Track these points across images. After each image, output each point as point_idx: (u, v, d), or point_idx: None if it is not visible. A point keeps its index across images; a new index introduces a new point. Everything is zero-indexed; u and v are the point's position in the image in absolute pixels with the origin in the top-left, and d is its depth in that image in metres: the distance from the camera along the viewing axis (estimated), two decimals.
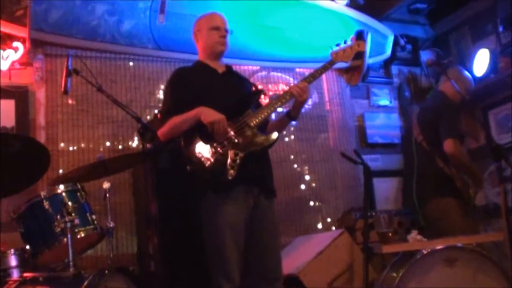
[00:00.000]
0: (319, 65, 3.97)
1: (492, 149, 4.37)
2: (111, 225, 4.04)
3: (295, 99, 3.74)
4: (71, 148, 5.57)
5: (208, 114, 3.52)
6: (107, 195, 4.17)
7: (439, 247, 3.97)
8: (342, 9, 6.72)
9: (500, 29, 6.62)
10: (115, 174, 4.52)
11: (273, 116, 3.94)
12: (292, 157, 6.61)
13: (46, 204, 3.82)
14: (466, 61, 7.14)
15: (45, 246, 3.75)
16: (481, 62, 6.70)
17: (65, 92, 4.11)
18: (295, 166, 6.62)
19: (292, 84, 4.16)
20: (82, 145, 5.62)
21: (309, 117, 6.76)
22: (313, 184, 6.63)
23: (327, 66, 3.94)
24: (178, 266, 4.61)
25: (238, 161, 3.50)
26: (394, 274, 3.97)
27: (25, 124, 5.43)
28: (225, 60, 3.99)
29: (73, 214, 3.72)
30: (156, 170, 4.62)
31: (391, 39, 7.15)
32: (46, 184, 4.77)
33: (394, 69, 7.53)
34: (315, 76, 3.85)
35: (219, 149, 3.50)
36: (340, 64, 4.15)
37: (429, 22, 7.79)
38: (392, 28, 7.25)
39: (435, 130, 4.97)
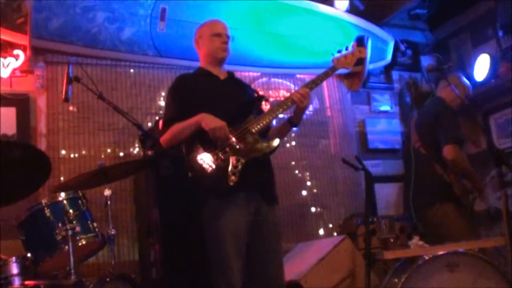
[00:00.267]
0: (319, 71, 3.97)
1: (493, 154, 4.36)
2: (112, 233, 4.04)
3: (296, 106, 3.74)
4: (72, 156, 5.58)
5: (209, 121, 3.52)
6: (108, 202, 4.17)
7: (440, 252, 3.97)
8: (342, 15, 6.73)
9: (500, 34, 6.62)
10: (116, 181, 4.52)
11: (274, 122, 3.92)
12: (293, 163, 6.62)
13: (47, 212, 3.82)
14: (466, 66, 7.15)
15: (46, 254, 3.75)
16: (481, 67, 6.71)
17: (66, 99, 4.12)
18: (296, 172, 6.62)
19: (293, 90, 4.16)
20: (83, 152, 5.63)
21: (310, 123, 6.77)
22: (315, 190, 6.63)
23: (329, 72, 3.93)
24: (179, 273, 4.60)
25: (239, 167, 3.49)
26: (396, 280, 3.96)
27: (26, 132, 5.44)
28: (226, 67, 3.99)
29: (74, 222, 3.72)
30: (157, 177, 4.62)
31: (391, 44, 7.16)
32: (47, 192, 4.78)
33: (395, 74, 7.54)
34: (316, 82, 3.85)
35: (220, 155, 3.49)
36: (341, 70, 4.15)
37: (430, 28, 7.80)
38: (393, 33, 7.26)
39: (433, 136, 4.97)
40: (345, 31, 6.70)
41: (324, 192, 6.66)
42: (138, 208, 5.54)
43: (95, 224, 4.00)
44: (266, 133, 3.82)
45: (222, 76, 3.91)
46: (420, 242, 4.15)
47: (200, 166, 3.50)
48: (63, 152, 5.54)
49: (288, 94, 6.03)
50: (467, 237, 4.63)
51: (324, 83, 6.73)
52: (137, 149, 5.76)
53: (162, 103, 5.98)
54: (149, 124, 5.79)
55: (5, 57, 5.38)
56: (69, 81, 4.09)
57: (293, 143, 6.65)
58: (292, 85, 6.77)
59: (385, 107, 7.35)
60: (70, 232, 3.65)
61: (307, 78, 6.65)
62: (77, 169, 5.47)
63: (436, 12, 7.52)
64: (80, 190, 4.07)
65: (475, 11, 7.14)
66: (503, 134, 6.69)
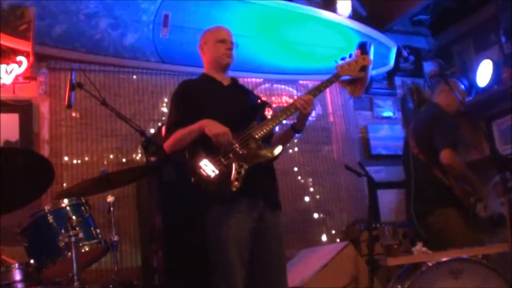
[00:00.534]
0: (322, 77, 3.98)
1: (496, 159, 4.36)
2: (115, 239, 4.03)
3: (299, 112, 3.73)
4: (75, 162, 5.59)
5: (212, 127, 3.52)
6: (111, 208, 4.16)
7: (444, 259, 3.96)
8: (345, 21, 6.74)
9: (503, 39, 6.63)
10: (119, 187, 4.51)
11: (277, 128, 3.92)
12: (296, 169, 6.62)
13: (50, 218, 3.81)
14: (469, 72, 7.16)
15: (49, 261, 3.74)
16: (484, 72, 6.71)
17: (69, 106, 4.11)
18: (299, 178, 6.63)
19: (296, 97, 4.16)
20: (86, 158, 5.64)
21: (313, 129, 6.77)
22: (317, 196, 6.63)
23: (332, 79, 3.93)
24: (182, 279, 4.59)
25: (242, 173, 3.49)
26: (399, 286, 3.96)
27: (29, 138, 5.45)
28: (229, 73, 3.99)
29: (77, 228, 3.71)
30: (160, 183, 4.62)
31: (394, 50, 7.17)
32: (50, 198, 4.78)
33: (397, 80, 7.55)
34: (320, 89, 3.84)
35: (223, 161, 3.49)
36: (343, 77, 4.15)
37: (432, 33, 7.82)
38: (395, 39, 7.27)
39: (430, 141, 4.98)
40: (347, 37, 6.71)
41: (327, 198, 6.66)
42: (141, 215, 5.53)
43: (98, 231, 3.99)
44: (269, 139, 3.82)
45: (226, 82, 3.91)
46: (424, 249, 4.14)
47: (203, 171, 3.49)
48: (66, 158, 5.55)
49: (290, 100, 6.07)
50: (470, 242, 4.62)
51: (327, 89, 6.74)
52: (140, 155, 5.76)
53: (164, 109, 5.99)
54: (152, 130, 5.80)
55: (8, 64, 5.39)
56: (72, 87, 4.09)
57: (296, 149, 6.66)
58: (295, 91, 6.77)
59: (388, 113, 7.36)
60: (73, 239, 3.65)
61: (310, 84, 6.67)
62: (80, 175, 5.48)
63: (438, 18, 7.54)
64: (83, 196, 4.06)
65: (477, 17, 7.15)
66: (506, 139, 6.69)
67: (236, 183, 3.46)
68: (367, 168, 4.61)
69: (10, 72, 5.39)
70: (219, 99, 3.79)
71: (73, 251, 3.62)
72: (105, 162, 5.70)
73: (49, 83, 5.62)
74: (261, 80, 6.67)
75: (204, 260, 3.65)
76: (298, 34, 6.49)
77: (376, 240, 4.89)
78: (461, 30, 7.47)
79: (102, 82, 5.74)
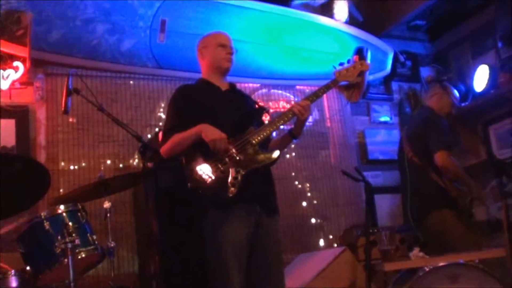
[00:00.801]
0: (320, 82, 3.98)
1: (493, 164, 4.38)
2: (112, 245, 4.03)
3: (297, 118, 3.74)
4: (72, 167, 5.57)
5: (209, 132, 3.51)
6: (108, 214, 4.16)
7: (441, 264, 3.96)
8: (342, 27, 6.75)
9: (500, 44, 6.63)
10: (116, 193, 4.51)
11: (274, 134, 3.92)
12: (293, 174, 6.62)
13: (46, 225, 3.79)
14: (466, 77, 7.17)
15: (45, 267, 3.72)
16: (481, 77, 6.71)
17: (65, 111, 4.11)
18: (296, 183, 6.62)
19: (293, 102, 4.17)
20: (83, 164, 5.63)
21: (310, 134, 6.77)
22: (315, 201, 6.63)
23: (330, 85, 3.93)
24: (179, 285, 4.58)
25: (239, 178, 3.49)
26: None
27: (26, 144, 5.44)
28: (226, 78, 4.00)
29: (73, 235, 3.70)
30: (157, 188, 4.61)
31: (391, 55, 7.18)
32: (47, 204, 4.77)
33: (394, 85, 7.55)
34: (318, 95, 3.84)
35: (220, 166, 3.49)
36: (341, 82, 4.15)
37: (429, 39, 7.83)
38: (392, 44, 7.28)
39: (424, 144, 5.01)
40: (344, 43, 6.72)
41: (324, 203, 6.66)
42: (138, 220, 5.53)
43: (94, 237, 3.97)
44: (266, 145, 3.82)
45: (224, 87, 3.91)
46: (421, 254, 4.14)
47: (200, 177, 3.49)
48: (63, 163, 5.54)
49: (288, 106, 6.07)
50: (469, 242, 4.65)
51: (324, 94, 6.75)
52: (137, 161, 5.76)
53: (161, 114, 5.98)
54: (149, 136, 5.79)
55: (4, 69, 5.37)
56: (69, 93, 4.08)
57: (293, 154, 6.66)
58: (292, 96, 6.77)
59: (385, 118, 7.36)
60: (69, 245, 3.64)
61: (307, 89, 6.67)
62: (76, 181, 5.47)
63: (435, 23, 7.54)
64: (80, 202, 4.05)
65: (474, 22, 7.16)
66: (503, 144, 6.68)
67: (232, 188, 3.46)
68: (364, 173, 4.61)
69: (7, 77, 5.37)
70: (216, 104, 3.79)
71: (70, 257, 3.60)
72: (102, 168, 5.68)
73: (46, 89, 5.61)
74: (258, 85, 6.67)
75: (201, 266, 3.65)
76: (295, 40, 6.50)
77: (374, 245, 4.89)
78: (457, 35, 7.48)
79: (99, 87, 5.73)
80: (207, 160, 3.50)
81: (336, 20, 6.73)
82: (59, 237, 3.71)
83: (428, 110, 5.29)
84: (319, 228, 6.55)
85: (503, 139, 6.70)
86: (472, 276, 3.95)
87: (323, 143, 6.89)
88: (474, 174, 5.30)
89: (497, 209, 6.34)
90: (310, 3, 6.87)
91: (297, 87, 6.87)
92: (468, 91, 6.97)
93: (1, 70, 5.36)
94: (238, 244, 3.50)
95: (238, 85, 4.15)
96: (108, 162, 5.73)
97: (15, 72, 5.40)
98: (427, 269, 3.92)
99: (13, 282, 3.69)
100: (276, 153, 3.65)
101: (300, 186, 6.60)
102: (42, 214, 3.87)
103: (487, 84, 6.62)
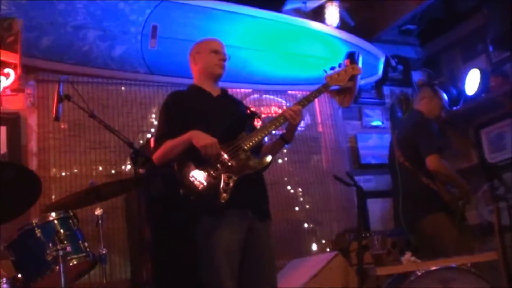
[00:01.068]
0: (311, 87, 3.99)
1: (485, 168, 4.39)
2: (104, 252, 4.02)
3: (288, 123, 3.74)
4: (63, 174, 5.55)
5: (200, 138, 3.52)
6: (100, 221, 4.15)
7: (433, 268, 3.97)
8: (333, 32, 6.75)
9: (490, 48, 6.67)
10: (108, 199, 4.49)
11: (266, 139, 3.92)
12: (285, 179, 6.61)
13: (38, 232, 3.79)
14: (457, 81, 7.19)
15: (37, 275, 3.71)
16: (472, 81, 6.73)
17: (57, 118, 4.09)
18: (289, 188, 6.62)
19: (284, 107, 4.17)
20: (75, 170, 5.61)
21: (302, 139, 6.77)
22: (307, 206, 6.62)
23: (322, 89, 3.94)
24: None
25: (231, 184, 3.49)
26: None
27: (17, 150, 5.41)
28: (218, 84, 4.00)
29: (65, 242, 3.69)
30: (149, 195, 4.60)
31: (382, 60, 7.19)
32: (39, 211, 4.75)
33: (386, 89, 7.56)
34: (309, 99, 3.86)
35: (212, 172, 3.49)
36: (333, 86, 4.15)
37: (420, 43, 7.85)
38: (383, 49, 7.29)
39: (415, 148, 5.02)
40: (336, 47, 6.73)
41: (317, 208, 6.66)
42: (130, 227, 5.51)
43: (86, 244, 3.97)
44: (258, 150, 3.82)
45: (215, 93, 3.92)
46: (412, 258, 4.15)
47: (192, 183, 3.49)
48: (54, 170, 5.52)
49: (280, 111, 6.07)
50: (462, 246, 4.66)
51: (316, 99, 6.76)
52: (129, 167, 5.75)
53: (153, 120, 5.98)
54: (141, 142, 5.79)
55: None
56: (60, 99, 4.06)
57: (285, 159, 6.66)
58: (284, 101, 6.77)
59: (377, 122, 7.37)
60: (61, 253, 3.62)
61: (299, 94, 6.68)
62: (68, 188, 5.45)
63: (426, 28, 7.56)
64: (72, 209, 4.04)
65: (465, 26, 7.18)
66: (494, 148, 6.70)
67: (224, 194, 3.47)
68: (357, 178, 4.62)
69: None
70: (208, 110, 3.80)
71: (61, 265, 3.59)
72: (93, 174, 5.67)
73: (37, 95, 5.59)
74: (250, 90, 6.67)
75: (194, 272, 3.65)
76: (287, 45, 6.50)
77: (366, 250, 4.89)
78: (449, 40, 7.49)
79: (90, 93, 5.72)
80: (199, 166, 3.51)
81: (327, 25, 6.74)
82: (50, 245, 3.70)
83: (418, 113, 5.31)
84: (312, 232, 6.55)
85: (495, 143, 6.72)
86: (464, 280, 3.96)
87: (315, 148, 6.90)
88: (466, 177, 5.31)
89: (488, 213, 6.37)
90: (302, 8, 6.88)
91: (289, 92, 6.87)
92: (459, 95, 6.99)
93: None
94: (231, 250, 3.51)
95: (230, 91, 4.16)
96: (100, 168, 5.72)
97: (6, 79, 5.37)
98: (419, 273, 3.93)
99: None
100: (268, 159, 3.66)
101: (292, 191, 6.60)
102: (33, 221, 3.86)
103: (478, 88, 6.64)
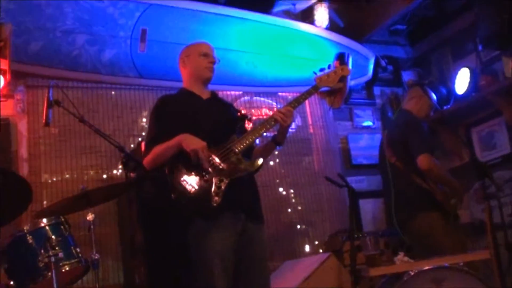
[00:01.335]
0: (302, 89, 3.98)
1: (476, 167, 4.40)
2: (96, 257, 4.01)
3: (279, 125, 3.74)
4: (54, 179, 5.53)
5: (189, 142, 3.51)
6: (91, 226, 4.14)
7: (426, 267, 3.96)
8: (323, 33, 6.76)
9: (480, 47, 6.68)
10: (100, 204, 4.48)
11: (257, 141, 3.92)
12: (277, 181, 6.62)
13: (29, 239, 3.78)
14: (447, 80, 7.21)
15: (29, 281, 3.71)
16: (462, 80, 6.75)
17: (47, 124, 4.08)
18: (281, 189, 6.62)
19: (275, 109, 4.17)
20: (66, 176, 5.60)
21: (293, 140, 6.77)
22: (299, 207, 6.63)
23: (312, 91, 3.93)
24: None
25: (223, 187, 3.48)
26: None
27: (7, 157, 5.39)
28: (208, 86, 3.99)
29: (57, 248, 3.69)
30: (141, 199, 4.60)
31: (372, 60, 7.19)
32: (30, 217, 4.73)
33: (376, 90, 7.57)
34: (299, 101, 3.85)
35: (203, 176, 3.48)
36: (323, 88, 4.15)
37: (410, 43, 7.86)
38: (373, 49, 7.30)
39: (405, 148, 5.02)
40: (326, 49, 6.73)
41: (309, 209, 6.66)
42: (123, 231, 5.50)
43: (78, 250, 3.96)
44: (249, 153, 3.82)
45: (205, 96, 3.91)
46: (405, 258, 4.14)
47: (183, 187, 3.48)
48: (46, 176, 5.50)
49: (270, 112, 6.07)
50: (455, 244, 4.66)
51: (306, 101, 6.76)
52: (120, 171, 5.73)
53: (144, 124, 5.97)
54: (132, 146, 5.78)
55: None
56: (50, 104, 4.06)
57: (277, 161, 6.66)
58: (274, 103, 6.77)
59: (368, 123, 7.38)
60: (53, 259, 3.62)
61: (290, 96, 6.68)
62: (60, 193, 5.43)
63: (416, 28, 7.58)
64: (64, 214, 4.03)
65: (454, 26, 7.20)
66: (485, 146, 6.72)
67: (216, 198, 3.45)
68: (348, 178, 4.63)
69: None
70: (198, 113, 3.79)
71: (53, 271, 3.59)
72: (85, 178, 5.66)
73: (27, 101, 5.57)
74: (241, 92, 6.67)
75: (187, 276, 3.64)
76: (276, 47, 6.50)
77: (359, 250, 4.89)
78: (438, 39, 7.52)
79: (80, 98, 5.70)
80: (190, 170, 3.50)
81: (317, 26, 6.74)
82: (42, 251, 3.70)
83: (407, 113, 5.31)
84: (305, 234, 6.56)
85: (486, 142, 6.74)
86: (457, 279, 3.95)
87: (306, 149, 6.90)
88: (457, 176, 5.32)
89: (480, 211, 6.38)
90: (291, 10, 6.88)
91: (280, 93, 6.88)
92: (449, 94, 7.00)
93: None
94: (224, 253, 3.50)
95: (220, 93, 4.16)
96: (92, 173, 5.70)
97: None
98: (412, 273, 3.92)
99: None
100: (259, 161, 3.65)
101: (284, 192, 6.60)
102: (25, 228, 3.86)
103: (468, 87, 6.65)
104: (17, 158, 5.44)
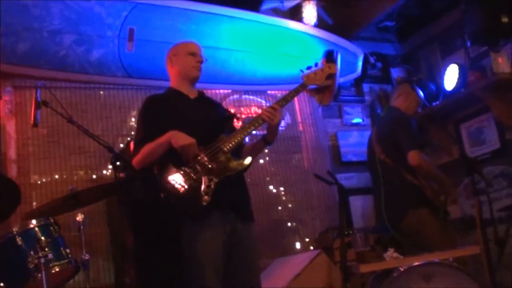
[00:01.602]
0: (291, 86, 3.98)
1: (465, 162, 4.42)
2: (86, 258, 4.01)
3: (268, 123, 3.73)
4: (44, 180, 5.51)
5: (178, 138, 3.51)
6: (81, 227, 4.13)
7: (416, 263, 3.98)
8: (311, 31, 6.76)
9: (468, 43, 6.69)
10: (89, 205, 4.47)
11: (247, 139, 3.92)
12: (267, 179, 6.62)
13: (18, 240, 3.76)
14: (436, 76, 7.23)
15: (19, 283, 3.69)
16: (451, 76, 6.76)
17: (35, 124, 4.07)
18: (271, 187, 6.62)
19: (264, 107, 4.16)
20: (56, 176, 5.57)
21: (283, 138, 6.77)
22: (290, 205, 6.63)
23: (299, 89, 3.94)
24: None
25: (212, 186, 3.48)
26: None
27: None
28: (197, 85, 3.99)
29: (46, 249, 3.67)
30: (130, 199, 4.58)
31: (361, 57, 7.20)
32: (20, 219, 4.72)
33: (366, 87, 7.58)
34: (287, 99, 3.85)
35: (192, 175, 3.48)
36: (311, 86, 4.16)
37: (399, 39, 7.88)
38: (362, 46, 7.31)
39: (395, 145, 5.04)
40: (314, 46, 6.73)
41: (300, 206, 6.66)
42: (113, 231, 5.49)
43: (68, 250, 3.95)
44: (239, 151, 3.82)
45: (192, 96, 3.91)
46: (395, 254, 4.16)
47: (172, 186, 3.48)
48: (35, 177, 5.48)
49: (260, 111, 6.07)
50: (445, 240, 4.68)
51: (295, 98, 6.76)
52: (110, 172, 5.71)
53: (133, 124, 5.95)
54: (121, 145, 5.76)
55: None
56: (38, 105, 4.04)
57: (267, 159, 6.66)
58: (264, 102, 6.78)
59: (357, 120, 7.39)
60: (42, 260, 3.61)
61: (279, 94, 6.67)
62: (49, 194, 5.40)
63: (404, 24, 7.59)
64: (53, 215, 4.02)
65: (443, 22, 7.22)
66: (474, 142, 6.74)
67: (206, 197, 3.45)
68: (338, 175, 4.63)
69: None
70: (186, 113, 3.79)
71: (43, 272, 3.58)
72: (75, 179, 5.64)
73: (15, 102, 5.54)
74: (230, 91, 6.66)
75: (177, 275, 3.63)
76: (265, 45, 6.50)
77: (349, 247, 4.90)
78: (426, 36, 7.54)
79: (68, 98, 5.67)
80: (179, 169, 3.50)
81: (305, 24, 6.74)
82: (32, 252, 3.68)
83: (396, 110, 5.34)
84: (295, 231, 6.56)
85: (475, 137, 6.75)
86: (447, 274, 3.97)
87: (296, 147, 6.91)
88: (447, 172, 5.34)
89: (470, 207, 6.40)
90: (279, 7, 6.89)
91: (269, 92, 6.88)
92: (438, 90, 7.02)
93: None
94: (214, 253, 3.50)
95: (209, 92, 4.16)
96: (81, 173, 5.68)
97: None
98: (402, 269, 3.94)
99: None
100: (248, 160, 3.65)
101: (274, 190, 6.60)
102: (14, 229, 3.83)
103: (457, 83, 6.66)
104: (6, 159, 5.40)
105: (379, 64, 7.53)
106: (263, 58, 6.53)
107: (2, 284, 3.72)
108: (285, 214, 6.58)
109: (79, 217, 4.12)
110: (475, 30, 6.32)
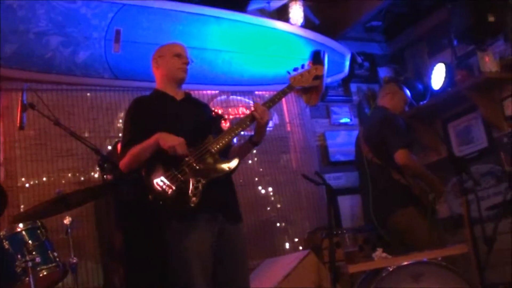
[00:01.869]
0: (278, 87, 3.98)
1: (453, 161, 4.43)
2: (74, 261, 3.99)
3: (256, 123, 3.73)
4: (31, 183, 5.48)
5: (166, 139, 3.50)
6: (69, 230, 4.11)
7: (405, 263, 3.98)
8: (298, 31, 6.76)
9: (455, 43, 6.71)
10: (77, 207, 4.45)
11: (235, 140, 3.91)
12: (256, 179, 6.61)
13: (5, 244, 3.76)
14: (423, 76, 7.25)
15: (7, 287, 3.67)
16: (438, 76, 6.78)
17: (21, 127, 4.05)
18: (260, 188, 6.62)
19: (252, 108, 4.15)
20: (44, 179, 5.55)
21: (271, 138, 6.77)
22: (278, 205, 6.63)
23: (286, 91, 3.94)
24: None
25: (200, 188, 3.47)
26: None
27: None
28: (183, 86, 3.98)
29: (34, 253, 3.67)
30: (118, 201, 4.57)
31: (348, 57, 7.21)
32: (7, 222, 4.69)
33: (353, 86, 7.59)
34: (274, 101, 3.85)
35: (180, 177, 3.47)
36: (297, 87, 4.15)
37: (385, 39, 7.90)
38: (349, 46, 7.32)
39: (382, 144, 5.04)
40: (301, 46, 6.73)
41: (288, 207, 6.66)
42: (101, 234, 5.47)
43: (55, 254, 3.94)
44: (226, 152, 3.81)
45: (179, 97, 3.90)
46: (384, 254, 4.16)
47: (160, 188, 3.47)
48: (22, 180, 5.45)
49: (247, 111, 6.06)
50: (434, 239, 4.68)
51: (283, 99, 6.78)
52: (98, 174, 5.69)
53: (120, 125, 5.92)
54: (109, 147, 5.74)
55: None
56: (24, 108, 4.03)
57: (255, 159, 6.66)
58: (251, 102, 6.77)
59: (345, 120, 7.39)
60: (30, 264, 3.60)
61: (267, 94, 6.68)
62: (37, 197, 5.38)
63: (391, 24, 7.61)
64: (41, 218, 4.00)
65: (429, 21, 7.24)
66: (462, 141, 6.76)
67: (194, 198, 3.44)
68: (327, 175, 4.64)
69: None
70: (172, 115, 3.77)
71: (31, 276, 3.56)
72: (63, 182, 5.61)
73: (1, 104, 5.50)
74: (217, 92, 6.65)
75: (166, 277, 3.62)
76: (252, 45, 6.49)
77: (338, 247, 4.90)
78: (413, 35, 7.56)
79: (55, 101, 5.65)
80: (166, 171, 3.49)
81: (292, 24, 6.74)
82: (19, 256, 3.68)
83: (382, 109, 5.34)
84: (284, 232, 6.56)
85: (462, 136, 6.77)
86: (435, 273, 3.98)
87: (284, 147, 6.91)
88: (435, 171, 5.36)
89: (458, 205, 6.42)
90: (266, 8, 6.88)
91: (256, 92, 6.88)
92: (426, 89, 7.04)
93: None
94: (203, 254, 3.49)
95: (196, 93, 4.15)
96: (69, 176, 5.66)
97: None
98: (391, 269, 3.94)
99: None
100: (235, 161, 3.64)
101: (263, 191, 6.60)
102: (1, 233, 3.82)
103: (444, 82, 6.69)
104: None
105: (366, 64, 7.54)
106: (250, 58, 6.52)
107: None
108: (274, 215, 6.58)
109: (67, 220, 4.10)
110: (462, 29, 6.34)
